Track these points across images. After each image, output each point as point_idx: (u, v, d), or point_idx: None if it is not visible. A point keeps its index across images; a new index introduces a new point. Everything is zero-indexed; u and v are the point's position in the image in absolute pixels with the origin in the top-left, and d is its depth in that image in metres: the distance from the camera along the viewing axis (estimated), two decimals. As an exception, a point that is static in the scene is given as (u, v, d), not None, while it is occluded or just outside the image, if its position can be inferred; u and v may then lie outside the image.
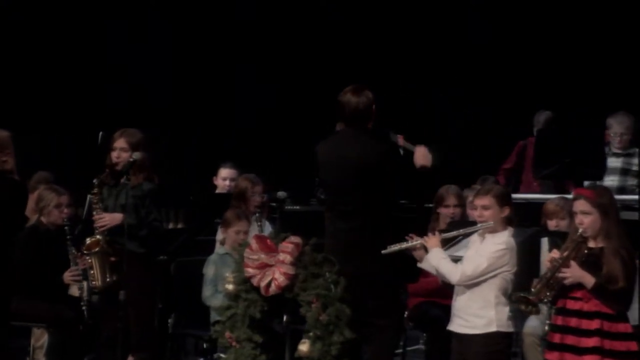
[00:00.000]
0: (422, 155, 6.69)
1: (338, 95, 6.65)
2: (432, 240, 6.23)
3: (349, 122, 6.64)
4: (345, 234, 6.52)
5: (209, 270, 7.38)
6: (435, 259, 6.18)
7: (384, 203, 6.57)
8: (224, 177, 8.85)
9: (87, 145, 8.63)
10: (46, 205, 7.71)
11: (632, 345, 5.68)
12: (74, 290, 7.74)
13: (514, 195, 8.24)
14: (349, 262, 6.44)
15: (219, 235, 7.67)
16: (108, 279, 7.21)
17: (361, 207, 6.52)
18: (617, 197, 7.14)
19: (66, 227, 7.59)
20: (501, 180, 9.35)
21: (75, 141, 10.29)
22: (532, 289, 5.74)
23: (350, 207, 6.54)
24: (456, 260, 6.22)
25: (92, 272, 7.24)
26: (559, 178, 8.84)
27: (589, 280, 5.67)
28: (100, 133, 8.12)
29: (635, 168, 8.99)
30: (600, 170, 8.65)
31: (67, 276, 7.63)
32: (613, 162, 8.97)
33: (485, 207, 6.15)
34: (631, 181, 8.99)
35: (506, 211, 6.14)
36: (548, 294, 5.74)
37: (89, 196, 7.58)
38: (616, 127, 8.95)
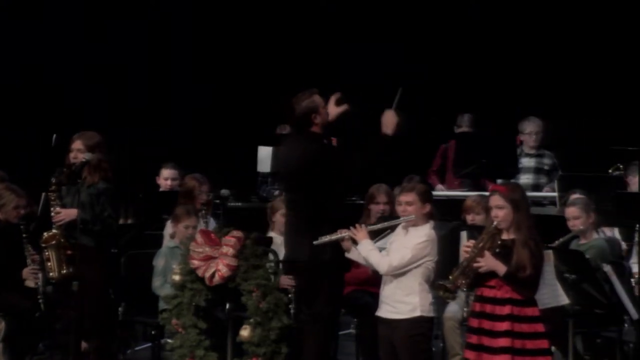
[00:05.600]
0: (387, 123, 6.76)
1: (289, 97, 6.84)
2: (361, 233, 6.44)
3: (291, 125, 6.98)
4: (285, 225, 6.85)
5: (159, 262, 7.51)
6: (365, 250, 6.41)
7: (314, 197, 6.73)
8: (166, 177, 9.00)
9: (41, 145, 8.55)
10: (5, 204, 7.80)
11: (539, 327, 5.97)
12: (30, 282, 7.76)
13: (438, 193, 8.75)
14: (286, 247, 6.80)
15: (169, 230, 7.79)
16: (64, 271, 7.33)
17: (295, 200, 6.78)
18: (530, 194, 7.58)
19: (21, 226, 7.69)
20: (433, 181, 9.62)
21: (30, 141, 10.20)
22: (450, 277, 6.00)
23: (287, 200, 6.88)
24: (382, 250, 6.45)
25: (49, 264, 7.35)
26: (476, 177, 9.25)
27: (501, 268, 5.92)
28: (54, 135, 8.15)
29: (546, 167, 9.42)
30: (513, 169, 9.08)
31: (27, 272, 7.70)
32: (527, 162, 9.41)
33: (408, 203, 6.42)
34: (543, 179, 9.39)
35: (427, 207, 6.44)
36: (464, 281, 6.00)
37: (43, 194, 7.67)
38: (531, 127, 9.42)
